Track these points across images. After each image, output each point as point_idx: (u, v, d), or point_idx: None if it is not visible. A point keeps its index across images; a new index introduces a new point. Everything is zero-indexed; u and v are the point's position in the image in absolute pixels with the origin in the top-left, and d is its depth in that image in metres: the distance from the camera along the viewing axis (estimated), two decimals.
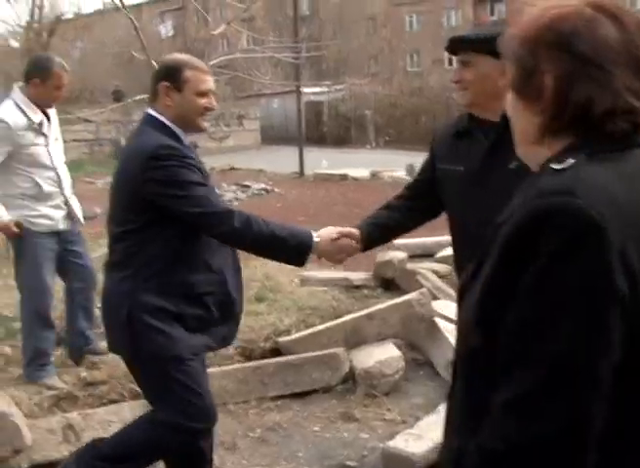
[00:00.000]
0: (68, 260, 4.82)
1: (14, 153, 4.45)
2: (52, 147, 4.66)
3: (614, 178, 1.25)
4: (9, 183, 4.53)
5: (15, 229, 4.49)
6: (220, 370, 4.57)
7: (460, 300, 1.45)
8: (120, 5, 6.51)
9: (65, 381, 4.56)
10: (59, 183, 4.69)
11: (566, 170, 1.26)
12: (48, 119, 4.63)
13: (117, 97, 25.81)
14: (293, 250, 2.94)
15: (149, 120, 2.96)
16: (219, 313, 3.01)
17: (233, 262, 3.10)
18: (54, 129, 4.71)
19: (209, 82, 2.97)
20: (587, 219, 1.16)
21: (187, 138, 3.02)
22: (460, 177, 2.87)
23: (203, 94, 2.94)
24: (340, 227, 3.12)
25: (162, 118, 2.93)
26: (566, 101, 1.29)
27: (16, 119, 4.43)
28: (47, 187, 4.60)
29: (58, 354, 5.01)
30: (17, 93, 4.52)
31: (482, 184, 2.75)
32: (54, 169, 4.65)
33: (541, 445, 1.15)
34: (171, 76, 2.92)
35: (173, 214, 2.83)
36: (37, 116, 4.51)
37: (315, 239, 2.97)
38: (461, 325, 1.42)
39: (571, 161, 1.27)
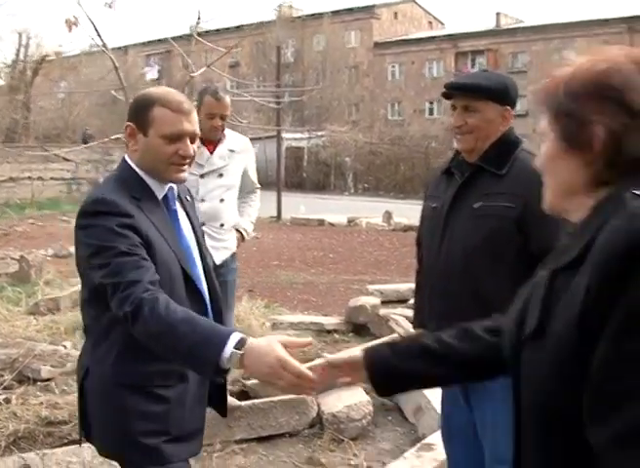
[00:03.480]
0: None
1: None
2: (206, 179, 4.51)
3: None
4: None
5: None
6: None
7: (514, 356, 1.43)
8: (102, 45, 6.50)
9: (26, 420, 4.46)
10: (206, 217, 4.42)
11: None
12: (212, 151, 4.51)
13: (85, 139, 25.89)
14: (190, 352, 2.04)
15: (120, 166, 2.49)
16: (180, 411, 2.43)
17: None
18: (216, 161, 4.53)
19: (182, 123, 2.36)
20: None
21: (166, 187, 2.47)
22: (432, 214, 2.98)
23: (173, 138, 2.35)
24: (285, 342, 1.98)
25: (133, 164, 2.43)
26: (619, 153, 1.32)
27: None
28: None
29: (20, 392, 4.92)
30: None
31: (446, 222, 2.86)
32: (201, 201, 4.42)
33: None
34: (137, 115, 2.39)
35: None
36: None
37: (234, 350, 1.96)
38: (534, 379, 1.37)
39: None
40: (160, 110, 2.35)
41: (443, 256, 2.85)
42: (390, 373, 1.82)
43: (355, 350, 1.90)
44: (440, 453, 3.72)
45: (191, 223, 2.56)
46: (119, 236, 2.21)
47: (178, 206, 2.52)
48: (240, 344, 1.96)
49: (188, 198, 2.65)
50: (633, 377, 1.19)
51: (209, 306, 2.47)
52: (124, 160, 2.47)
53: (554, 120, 1.42)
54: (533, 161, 1.64)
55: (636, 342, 1.20)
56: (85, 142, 24.39)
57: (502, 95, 2.81)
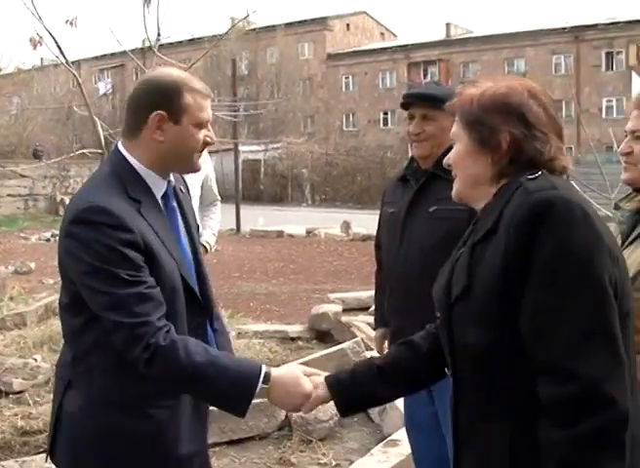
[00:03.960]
0: None
1: None
2: None
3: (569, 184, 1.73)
4: None
5: None
6: None
7: (447, 316, 1.77)
8: (63, 60, 6.49)
9: (2, 430, 4.56)
10: None
11: (538, 177, 1.68)
12: None
13: (36, 155, 25.66)
14: (222, 395, 2.06)
15: (114, 160, 2.22)
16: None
17: None
18: None
19: (209, 109, 2.24)
20: (579, 205, 1.59)
21: (165, 184, 2.26)
22: (390, 219, 3.22)
23: (203, 124, 2.22)
24: (304, 373, 2.15)
25: (133, 159, 2.19)
26: (520, 153, 1.72)
27: None
28: None
29: None
30: None
31: (404, 226, 3.09)
32: None
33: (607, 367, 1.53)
34: (166, 102, 2.16)
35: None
36: None
37: (261, 385, 2.05)
38: (466, 327, 1.71)
39: (539, 172, 1.69)
40: (191, 96, 2.19)
41: (402, 258, 3.07)
42: (353, 403, 2.13)
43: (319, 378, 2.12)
44: (405, 448, 3.91)
45: (186, 219, 2.36)
46: (120, 257, 2.01)
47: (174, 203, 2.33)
48: (266, 378, 2.07)
49: (182, 188, 2.42)
50: (554, 322, 1.56)
51: (206, 317, 2.34)
52: (118, 152, 2.22)
53: (467, 127, 1.78)
54: None
55: (550, 292, 1.57)
56: (36, 157, 24.21)
57: None
